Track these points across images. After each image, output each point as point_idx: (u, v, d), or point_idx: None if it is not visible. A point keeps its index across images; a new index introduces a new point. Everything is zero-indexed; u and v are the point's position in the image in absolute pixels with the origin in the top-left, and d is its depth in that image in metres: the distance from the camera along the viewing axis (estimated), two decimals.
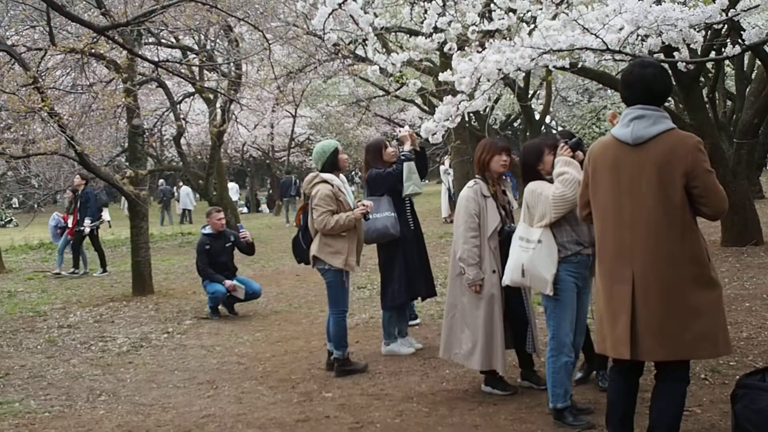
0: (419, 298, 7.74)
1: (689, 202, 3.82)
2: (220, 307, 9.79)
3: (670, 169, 3.79)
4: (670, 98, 20.25)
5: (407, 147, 7.21)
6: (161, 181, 35.42)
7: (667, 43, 6.16)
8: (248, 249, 10.09)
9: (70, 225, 14.83)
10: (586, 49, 5.95)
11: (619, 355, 3.96)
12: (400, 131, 7.51)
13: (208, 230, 9.85)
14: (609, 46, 5.76)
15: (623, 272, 3.91)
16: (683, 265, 3.81)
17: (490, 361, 5.60)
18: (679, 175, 3.78)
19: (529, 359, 5.95)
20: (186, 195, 32.07)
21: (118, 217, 34.02)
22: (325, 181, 6.60)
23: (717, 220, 3.86)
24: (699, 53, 9.29)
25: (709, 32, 9.23)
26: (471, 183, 5.79)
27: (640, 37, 6.37)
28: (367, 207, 6.67)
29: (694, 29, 5.99)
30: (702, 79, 13.84)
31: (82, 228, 14.45)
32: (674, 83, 12.62)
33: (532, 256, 4.97)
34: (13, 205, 34.52)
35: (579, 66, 7.18)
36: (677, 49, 7.97)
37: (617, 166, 3.95)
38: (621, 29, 5.79)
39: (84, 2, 11.30)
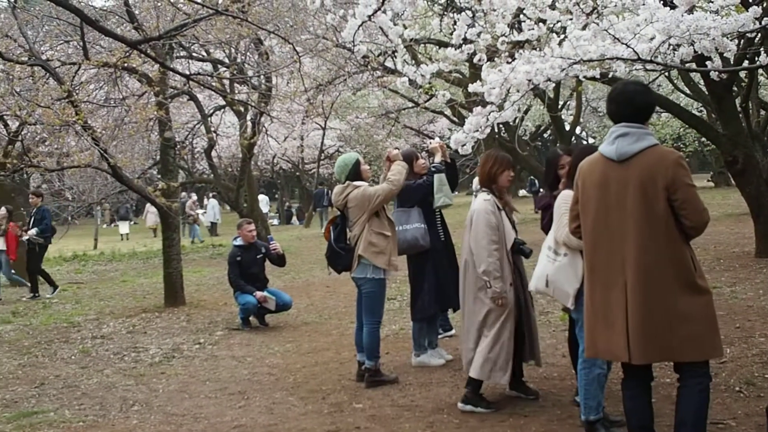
0: (451, 310, 7.72)
1: (673, 213, 3.98)
2: (251, 318, 9.83)
3: (652, 183, 3.97)
4: (702, 108, 20.10)
5: (438, 158, 7.23)
6: (183, 194, 35.59)
7: (699, 53, 6.11)
8: (279, 261, 10.13)
9: (3, 247, 14.17)
10: (617, 59, 5.92)
11: (615, 359, 4.18)
12: (430, 143, 7.53)
13: (239, 242, 9.90)
14: (640, 56, 5.73)
15: (617, 280, 4.07)
16: (668, 273, 3.97)
17: (490, 373, 5.60)
18: (661, 188, 3.96)
19: (519, 369, 5.95)
20: (212, 208, 32.35)
21: (144, 230, 34.61)
22: (356, 187, 6.65)
23: (698, 233, 3.98)
24: (732, 62, 9.20)
25: (743, 41, 9.14)
26: (486, 196, 5.78)
27: (671, 47, 6.32)
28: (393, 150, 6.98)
29: (727, 38, 5.93)
30: (735, 88, 13.68)
31: (34, 240, 13.71)
32: (707, 93, 12.52)
33: (557, 268, 5.01)
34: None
35: (610, 76, 7.15)
36: (710, 59, 7.91)
37: (605, 181, 4.15)
38: (652, 39, 5.76)
39: (116, 17, 11.47)
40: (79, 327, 10.51)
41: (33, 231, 13.82)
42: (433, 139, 7.81)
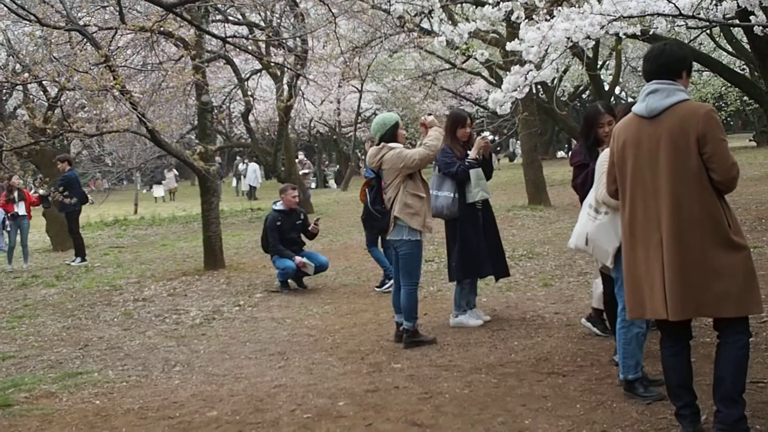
0: (494, 278, 7.68)
1: (706, 168, 3.97)
2: (289, 280, 9.90)
3: (684, 137, 3.97)
4: (745, 66, 19.69)
5: (473, 154, 7.13)
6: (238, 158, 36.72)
7: (742, 7, 5.97)
8: (310, 237, 10.17)
9: (24, 212, 13.70)
10: (658, 15, 5.81)
11: (658, 316, 4.13)
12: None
13: (279, 206, 9.93)
14: (682, 12, 5.61)
15: (654, 237, 4.07)
16: (702, 228, 3.96)
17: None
18: (693, 142, 3.95)
19: None
20: (253, 172, 32.60)
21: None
22: (391, 149, 6.64)
23: (727, 188, 4.03)
24: None
25: None
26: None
27: (714, 2, 6.18)
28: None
29: None
30: None
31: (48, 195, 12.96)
32: (750, 50, 12.24)
33: (597, 226, 5.02)
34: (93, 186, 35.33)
35: (650, 33, 7.02)
36: (753, 13, 7.73)
37: (638, 139, 4.16)
38: None
39: None
40: (121, 290, 10.67)
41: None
42: (485, 135, 7.40)
